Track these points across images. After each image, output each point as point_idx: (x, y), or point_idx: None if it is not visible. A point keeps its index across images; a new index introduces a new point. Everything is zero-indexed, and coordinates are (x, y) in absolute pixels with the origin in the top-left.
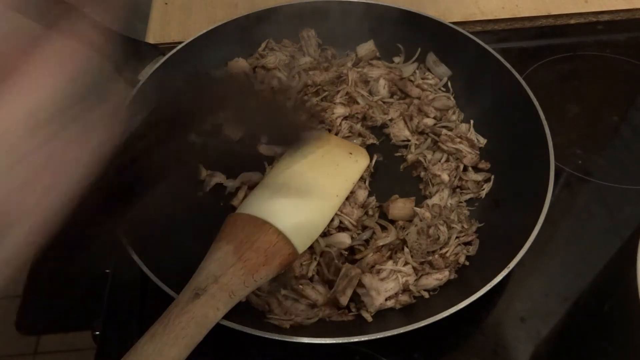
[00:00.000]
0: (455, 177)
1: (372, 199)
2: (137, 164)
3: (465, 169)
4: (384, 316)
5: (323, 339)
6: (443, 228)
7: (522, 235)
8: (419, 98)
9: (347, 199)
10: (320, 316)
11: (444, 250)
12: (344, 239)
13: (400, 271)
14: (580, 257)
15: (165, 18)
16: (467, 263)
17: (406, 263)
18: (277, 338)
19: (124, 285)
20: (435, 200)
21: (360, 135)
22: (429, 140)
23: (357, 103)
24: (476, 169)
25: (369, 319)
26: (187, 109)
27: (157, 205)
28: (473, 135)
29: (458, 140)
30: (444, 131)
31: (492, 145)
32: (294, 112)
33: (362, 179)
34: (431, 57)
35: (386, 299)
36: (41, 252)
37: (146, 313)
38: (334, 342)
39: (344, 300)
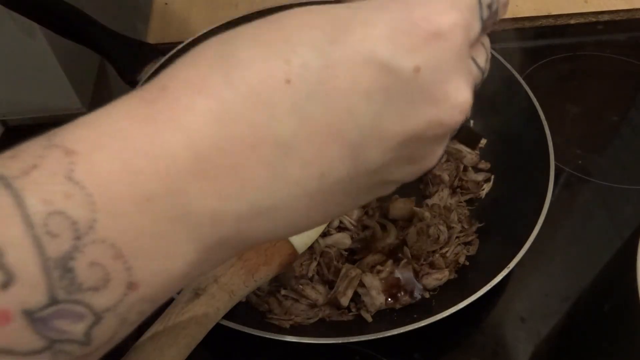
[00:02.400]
0: (455, 177)
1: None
2: None
3: (465, 169)
4: (384, 316)
5: (323, 339)
6: (443, 228)
7: (522, 235)
8: None
9: None
10: (320, 316)
11: (444, 250)
12: (344, 239)
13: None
14: (580, 257)
15: (165, 18)
16: (467, 263)
17: (407, 263)
18: (277, 338)
19: None
20: (434, 200)
21: None
22: None
23: None
24: (476, 169)
25: (369, 319)
26: None
27: None
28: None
29: None
30: None
31: (492, 145)
32: None
33: None
34: None
35: (386, 299)
36: None
37: None
38: (334, 342)
39: (345, 301)
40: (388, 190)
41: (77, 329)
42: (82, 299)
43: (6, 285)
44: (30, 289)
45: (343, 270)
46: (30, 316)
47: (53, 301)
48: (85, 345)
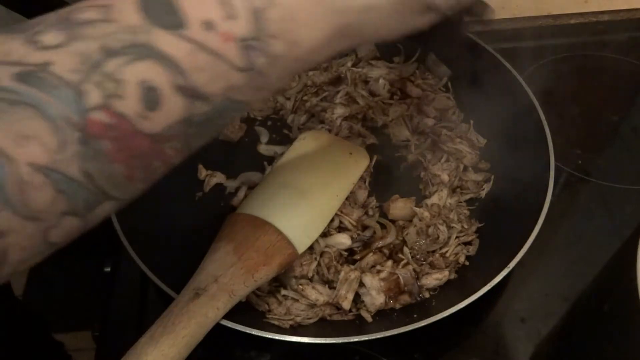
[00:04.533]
0: (455, 177)
1: (372, 199)
2: None
3: (465, 169)
4: (384, 316)
5: (323, 339)
6: (442, 227)
7: (522, 235)
8: (419, 98)
9: (347, 199)
10: (321, 315)
11: (444, 250)
12: (344, 239)
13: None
14: (580, 257)
15: None
16: (467, 263)
17: (407, 264)
18: (277, 338)
19: (124, 285)
20: (434, 199)
21: (360, 135)
22: (429, 140)
23: (357, 103)
24: (476, 169)
25: (369, 319)
26: None
27: (157, 205)
28: (473, 135)
29: (458, 140)
30: (444, 131)
31: (492, 145)
32: None
33: (362, 179)
34: (431, 57)
35: (386, 299)
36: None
37: (146, 313)
38: (334, 342)
39: (347, 304)
40: (425, 20)
41: (260, 60)
42: (266, 41)
43: (230, 17)
44: (243, 23)
45: (342, 274)
46: (242, 42)
47: (252, 37)
48: (263, 76)
